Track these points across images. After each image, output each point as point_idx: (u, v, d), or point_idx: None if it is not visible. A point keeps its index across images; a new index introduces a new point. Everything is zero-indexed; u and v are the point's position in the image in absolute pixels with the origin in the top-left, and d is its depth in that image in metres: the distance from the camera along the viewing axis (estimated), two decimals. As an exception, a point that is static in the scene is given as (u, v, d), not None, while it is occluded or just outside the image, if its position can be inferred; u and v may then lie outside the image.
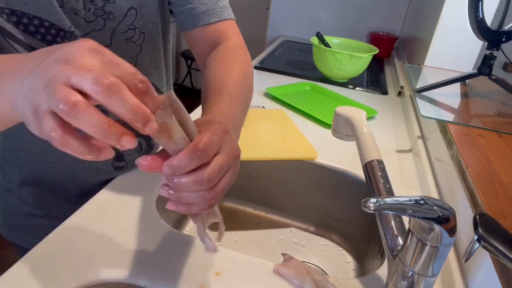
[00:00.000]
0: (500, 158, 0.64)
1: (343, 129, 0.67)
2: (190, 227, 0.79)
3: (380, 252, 0.68)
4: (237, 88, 0.54)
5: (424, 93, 0.95)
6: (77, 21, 0.54)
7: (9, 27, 0.50)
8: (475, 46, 1.15)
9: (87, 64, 0.28)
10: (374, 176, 0.55)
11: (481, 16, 0.82)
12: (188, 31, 0.65)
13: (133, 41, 0.60)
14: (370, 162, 0.56)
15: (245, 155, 0.77)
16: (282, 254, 0.57)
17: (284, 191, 0.87)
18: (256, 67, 1.43)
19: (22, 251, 0.59)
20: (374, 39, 1.82)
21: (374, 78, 1.47)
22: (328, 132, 0.95)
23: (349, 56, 1.28)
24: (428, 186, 0.75)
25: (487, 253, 0.49)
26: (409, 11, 1.87)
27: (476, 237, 0.37)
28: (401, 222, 0.50)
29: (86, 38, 0.31)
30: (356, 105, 1.14)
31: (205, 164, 0.36)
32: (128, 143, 0.29)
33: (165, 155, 0.36)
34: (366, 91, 1.33)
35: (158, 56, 0.67)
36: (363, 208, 0.39)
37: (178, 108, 0.34)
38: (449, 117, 0.86)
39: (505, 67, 1.38)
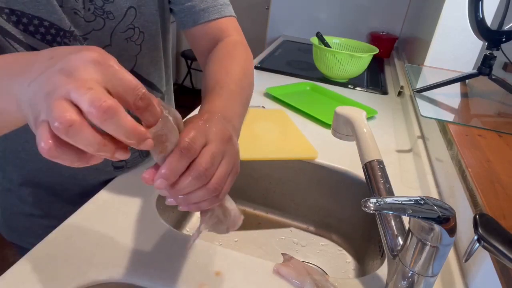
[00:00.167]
0: (500, 158, 0.64)
1: (343, 129, 0.67)
2: (190, 227, 0.79)
3: (380, 252, 0.68)
4: (234, 83, 0.53)
5: (424, 93, 0.95)
6: (77, 21, 0.54)
7: (9, 27, 0.50)
8: (475, 46, 1.15)
9: (89, 78, 0.28)
10: (374, 176, 0.55)
11: (481, 16, 0.82)
12: (189, 29, 0.65)
13: (132, 40, 0.60)
14: (370, 162, 0.56)
15: (245, 155, 0.77)
16: (282, 254, 0.57)
17: (284, 191, 0.87)
18: (256, 67, 1.43)
19: (22, 251, 0.59)
20: (374, 39, 1.82)
21: (374, 78, 1.47)
22: (328, 132, 0.95)
23: (349, 56, 1.28)
24: (428, 186, 0.75)
25: (487, 253, 0.49)
26: (409, 11, 1.87)
27: (476, 237, 0.37)
28: (401, 222, 0.50)
29: (93, 47, 0.30)
30: (356, 105, 1.14)
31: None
32: (121, 156, 0.30)
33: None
34: (366, 91, 1.33)
35: (158, 56, 0.67)
36: (363, 208, 0.39)
37: (174, 117, 0.35)
38: (449, 117, 0.86)
39: (505, 67, 1.38)
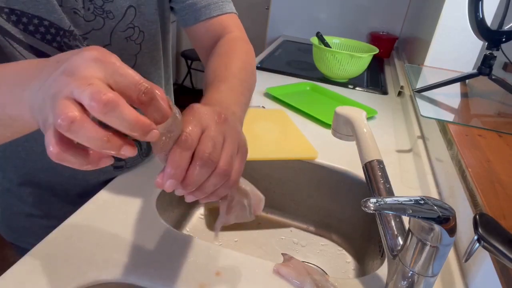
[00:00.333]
0: (500, 158, 0.64)
1: (343, 129, 0.67)
2: (190, 227, 0.79)
3: (380, 252, 0.68)
4: (233, 77, 0.53)
5: (424, 93, 0.95)
6: (77, 20, 0.54)
7: (9, 27, 0.50)
8: (475, 46, 1.15)
9: (90, 75, 0.28)
10: (374, 176, 0.55)
11: (481, 16, 0.82)
12: (190, 27, 0.65)
13: (132, 39, 0.60)
14: (370, 162, 0.56)
15: (245, 155, 0.77)
16: (282, 254, 0.57)
17: (284, 191, 0.87)
18: (256, 67, 1.42)
19: (22, 251, 0.59)
20: (374, 39, 1.82)
21: (374, 78, 1.47)
22: (328, 132, 0.95)
23: (349, 56, 1.28)
24: (428, 186, 0.75)
25: (487, 253, 0.49)
26: (409, 11, 1.87)
27: (476, 237, 0.37)
28: (401, 222, 0.50)
29: (94, 46, 0.31)
30: (356, 105, 1.14)
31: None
32: (128, 152, 0.29)
33: None
34: (366, 91, 1.33)
35: (158, 55, 0.67)
36: (363, 208, 0.39)
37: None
38: (449, 117, 0.86)
39: (505, 67, 1.38)
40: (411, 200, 0.40)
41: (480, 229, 0.36)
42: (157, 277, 0.49)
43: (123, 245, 0.53)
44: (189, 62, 3.41)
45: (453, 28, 1.14)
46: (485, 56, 0.88)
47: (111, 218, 0.58)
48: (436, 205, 0.40)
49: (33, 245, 0.51)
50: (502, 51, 0.86)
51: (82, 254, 0.51)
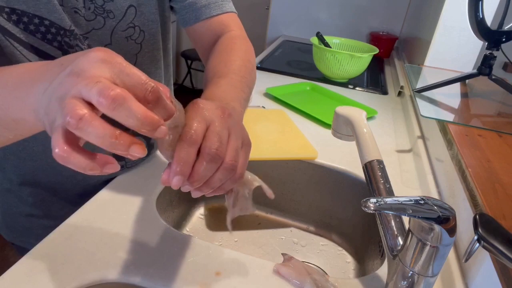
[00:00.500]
0: (500, 158, 0.64)
1: (343, 129, 0.67)
2: (190, 227, 0.79)
3: (380, 252, 0.68)
4: (232, 73, 0.53)
5: (424, 93, 0.95)
6: (77, 20, 0.54)
7: (9, 26, 0.50)
8: (475, 46, 1.15)
9: (98, 75, 0.29)
10: (374, 176, 0.55)
11: (481, 16, 0.82)
12: (191, 26, 0.65)
13: (132, 39, 0.60)
14: (370, 162, 0.56)
15: (245, 155, 0.77)
16: (282, 254, 0.57)
17: (284, 191, 0.87)
18: (256, 67, 1.43)
19: (22, 251, 0.59)
20: (374, 39, 1.82)
21: (374, 78, 1.47)
22: (328, 132, 0.95)
23: (349, 56, 1.28)
24: (428, 186, 0.75)
25: (487, 253, 0.49)
26: (409, 11, 1.87)
27: (476, 237, 0.37)
28: (401, 222, 0.50)
29: (99, 47, 0.31)
30: (356, 105, 1.14)
31: None
32: (138, 152, 0.29)
33: None
34: (366, 91, 1.33)
35: (158, 55, 0.68)
36: (363, 208, 0.39)
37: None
38: (449, 117, 0.86)
39: (505, 67, 1.38)
40: (411, 200, 0.40)
41: (480, 229, 0.36)
42: (157, 277, 0.49)
43: (123, 245, 0.53)
44: (189, 62, 3.41)
45: (453, 28, 1.14)
46: (485, 56, 0.88)
47: (111, 218, 0.58)
48: (436, 205, 0.40)
49: (33, 245, 0.51)
50: (502, 51, 0.86)
51: (82, 254, 0.51)
